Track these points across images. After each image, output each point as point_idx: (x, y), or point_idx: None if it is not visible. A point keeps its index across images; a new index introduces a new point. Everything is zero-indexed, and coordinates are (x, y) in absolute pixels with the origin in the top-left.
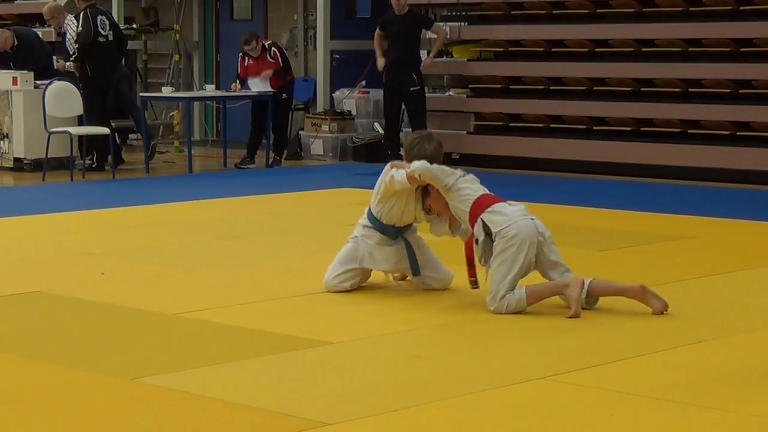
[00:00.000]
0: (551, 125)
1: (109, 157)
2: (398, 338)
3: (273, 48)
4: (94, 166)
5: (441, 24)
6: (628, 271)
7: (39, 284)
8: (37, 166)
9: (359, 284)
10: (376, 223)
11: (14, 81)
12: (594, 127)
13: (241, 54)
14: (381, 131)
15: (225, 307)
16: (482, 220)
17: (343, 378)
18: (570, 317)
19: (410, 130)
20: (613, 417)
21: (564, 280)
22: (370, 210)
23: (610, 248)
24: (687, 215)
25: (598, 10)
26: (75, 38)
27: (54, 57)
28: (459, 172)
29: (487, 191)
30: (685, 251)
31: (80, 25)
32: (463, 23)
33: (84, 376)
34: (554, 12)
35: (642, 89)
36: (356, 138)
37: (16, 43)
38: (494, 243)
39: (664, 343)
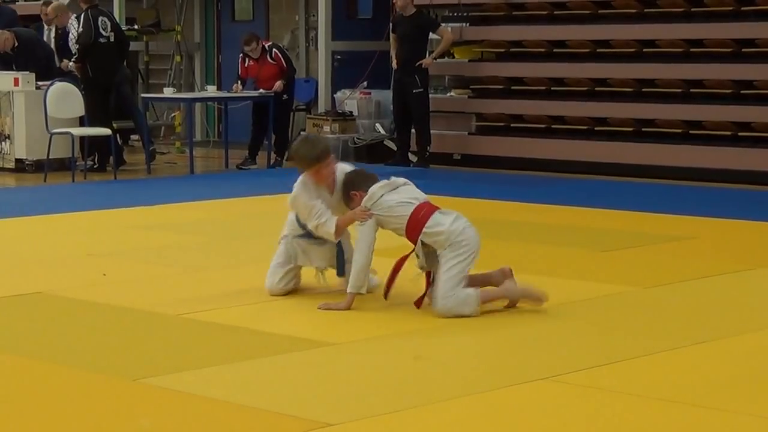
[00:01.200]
0: (553, 126)
1: (111, 158)
2: (399, 339)
3: (274, 49)
4: (95, 167)
5: (443, 25)
6: (629, 271)
7: (40, 285)
8: (39, 167)
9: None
10: (306, 230)
11: (16, 82)
12: (595, 128)
13: (241, 55)
14: (382, 132)
15: (227, 307)
16: (422, 241)
17: (344, 379)
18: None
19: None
20: (613, 417)
21: (500, 289)
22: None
23: (610, 248)
24: (688, 216)
25: (599, 11)
26: (76, 39)
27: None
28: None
29: (415, 202)
30: (685, 252)
31: (81, 26)
32: (464, 24)
33: (86, 376)
34: (555, 13)
35: (643, 90)
36: (358, 139)
37: (16, 44)
38: (441, 253)
39: (664, 343)
